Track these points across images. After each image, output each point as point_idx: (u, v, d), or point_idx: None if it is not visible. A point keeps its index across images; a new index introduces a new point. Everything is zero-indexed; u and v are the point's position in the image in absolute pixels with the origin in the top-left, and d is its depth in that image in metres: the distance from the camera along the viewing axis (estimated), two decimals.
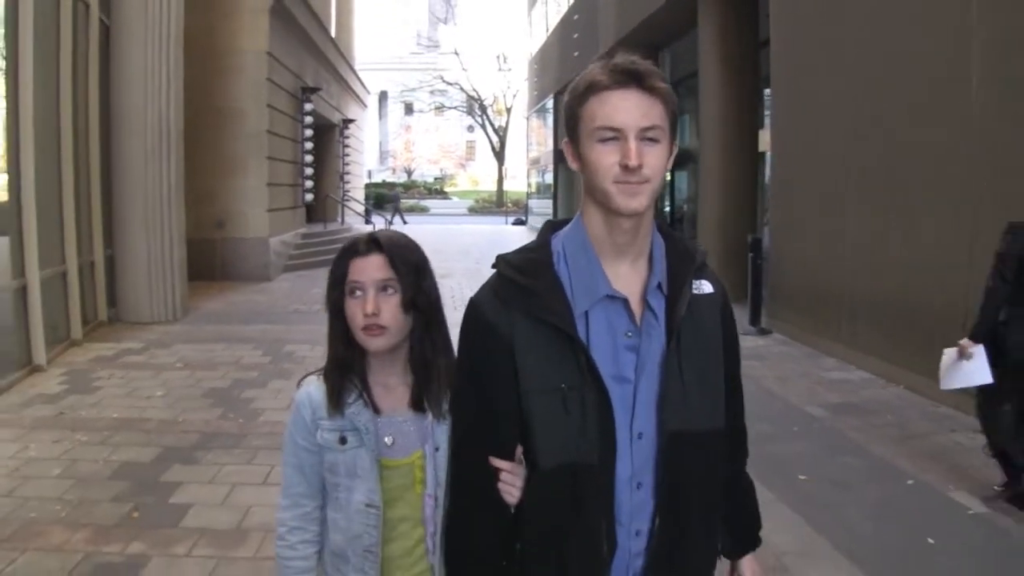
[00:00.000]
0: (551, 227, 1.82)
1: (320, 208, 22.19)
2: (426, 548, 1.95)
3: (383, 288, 1.89)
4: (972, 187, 6.92)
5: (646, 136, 1.59)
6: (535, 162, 38.13)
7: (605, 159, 1.60)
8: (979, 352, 4.76)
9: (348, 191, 26.85)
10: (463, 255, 20.12)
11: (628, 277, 1.71)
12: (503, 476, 1.75)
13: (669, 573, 1.76)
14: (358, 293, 1.89)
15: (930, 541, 4.52)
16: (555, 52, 29.59)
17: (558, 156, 29.87)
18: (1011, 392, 4.81)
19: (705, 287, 1.79)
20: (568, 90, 1.68)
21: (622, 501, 1.71)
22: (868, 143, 8.53)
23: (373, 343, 1.89)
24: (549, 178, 32.92)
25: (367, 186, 40.89)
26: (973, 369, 4.79)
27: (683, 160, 15.44)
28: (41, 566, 4.09)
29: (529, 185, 41.34)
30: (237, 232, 15.55)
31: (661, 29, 16.62)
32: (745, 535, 2.05)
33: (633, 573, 1.76)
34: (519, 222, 40.06)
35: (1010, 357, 4.71)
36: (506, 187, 55.25)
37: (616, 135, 1.58)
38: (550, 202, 32.15)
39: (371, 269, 1.88)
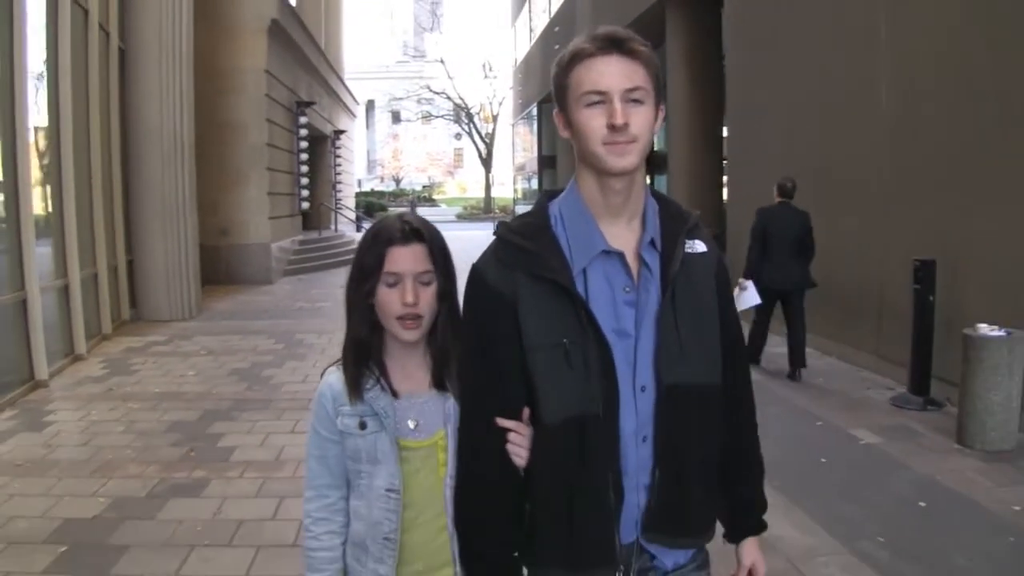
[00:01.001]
0: (548, 195, 1.89)
1: (315, 216, 23.36)
2: (449, 533, 1.95)
3: (421, 279, 1.89)
4: (881, 187, 8.14)
5: (631, 98, 1.66)
6: (521, 168, 39.29)
7: (593, 121, 1.66)
8: (750, 285, 7.90)
9: (340, 199, 28.04)
10: (454, 258, 21.20)
11: (623, 236, 1.78)
12: (511, 437, 1.78)
13: (669, 526, 1.82)
14: (395, 283, 1.88)
15: (823, 460, 5.74)
16: (538, 62, 30.84)
17: (543, 162, 31.09)
18: (766, 307, 8.09)
19: (699, 247, 1.85)
20: (554, 63, 1.75)
21: (628, 454, 1.76)
22: (802, 148, 9.77)
23: (408, 335, 1.90)
24: (535, 184, 34.02)
25: (357, 195, 42.02)
26: (748, 296, 7.85)
27: (660, 164, 16.59)
28: (128, 486, 5.27)
29: (516, 191, 42.43)
30: (240, 239, 16.63)
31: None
32: (745, 516, 2.04)
33: (639, 527, 1.81)
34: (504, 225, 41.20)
35: (764, 287, 7.90)
36: (494, 193, 56.33)
37: (602, 98, 1.65)
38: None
39: (412, 259, 1.88)
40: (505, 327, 1.73)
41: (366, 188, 61.70)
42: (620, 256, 1.75)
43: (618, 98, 1.64)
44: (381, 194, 59.79)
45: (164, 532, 4.60)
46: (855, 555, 4.27)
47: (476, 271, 1.79)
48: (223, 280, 15.96)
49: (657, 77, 1.71)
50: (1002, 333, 5.84)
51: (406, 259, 1.86)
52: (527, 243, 1.75)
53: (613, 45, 1.66)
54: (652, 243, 1.78)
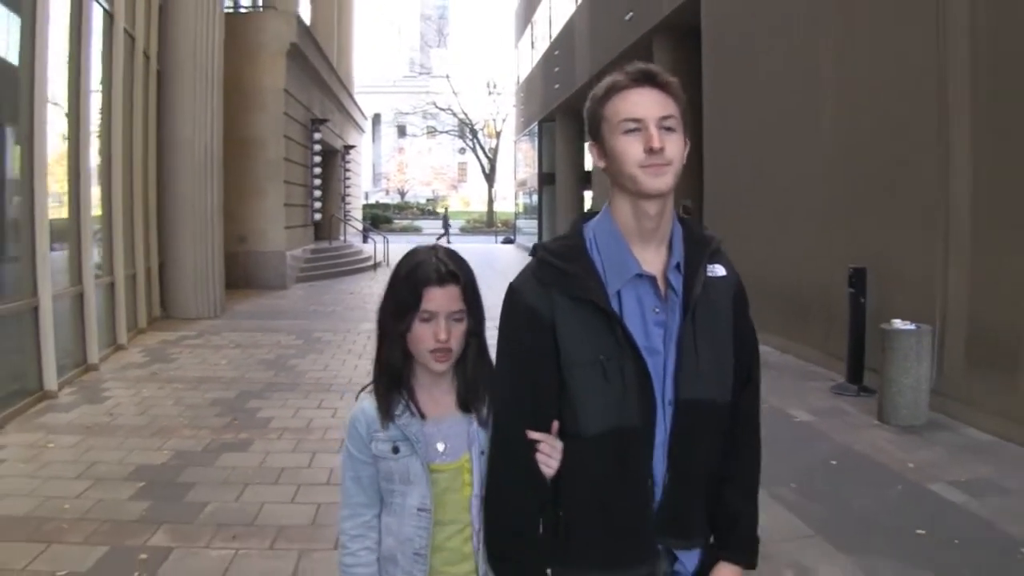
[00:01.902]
0: (583, 218, 2.00)
1: (326, 226, 24.56)
2: (473, 547, 2.05)
3: (454, 317, 1.99)
4: (824, 204, 9.31)
5: (664, 125, 1.80)
6: (522, 184, 40.39)
7: (631, 147, 1.79)
8: None
9: (349, 211, 29.28)
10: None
11: (653, 259, 1.89)
12: (541, 447, 1.89)
13: (675, 529, 1.94)
14: (429, 319, 1.98)
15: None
16: (539, 82, 32.08)
17: (543, 179, 32.23)
18: None
19: (719, 271, 1.96)
20: (588, 98, 1.90)
21: (657, 464, 1.88)
22: (766, 169, 10.95)
23: (439, 367, 2.01)
24: (536, 199, 35.09)
25: (363, 207, 43.23)
26: None
27: None
28: (185, 444, 6.43)
29: (517, 206, 43.53)
30: (258, 246, 17.81)
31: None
32: (726, 535, 2.05)
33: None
34: (508, 241, 42.31)
35: None
36: (496, 208, 57.49)
37: (638, 126, 1.79)
38: (536, 222, 34.35)
39: (447, 300, 1.98)
40: (542, 344, 1.85)
41: (371, 200, 62.85)
42: (651, 279, 1.87)
43: (654, 125, 1.79)
44: (386, 206, 61.00)
45: (222, 475, 5.75)
46: (770, 496, 5.38)
47: (514, 291, 1.92)
48: (241, 284, 17.02)
49: (685, 110, 1.87)
50: (912, 327, 6.99)
51: (442, 300, 1.97)
52: (566, 265, 1.86)
53: (647, 78, 1.83)
54: (678, 267, 1.90)
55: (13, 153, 7.88)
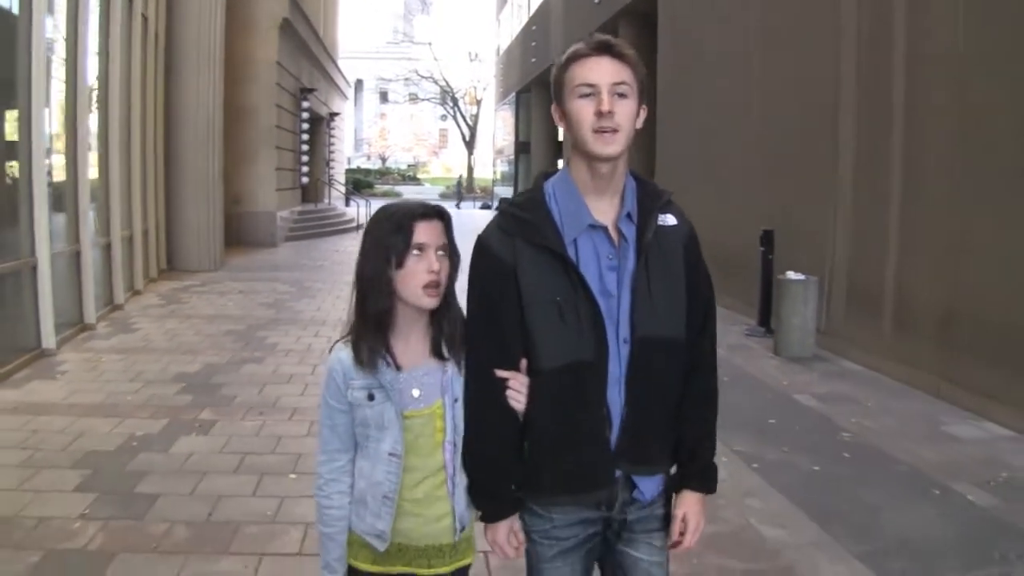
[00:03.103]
0: (544, 176, 2.18)
1: (312, 190, 25.98)
2: (447, 490, 2.16)
3: (441, 251, 2.10)
4: (747, 176, 10.92)
5: (616, 91, 1.95)
6: (500, 152, 41.80)
7: (584, 111, 1.96)
8: None
9: (333, 175, 30.70)
10: None
11: (606, 210, 2.07)
12: (511, 383, 2.06)
13: (633, 455, 2.09)
14: (419, 254, 2.06)
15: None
16: (517, 55, 33.49)
17: (519, 147, 33.69)
18: None
19: (670, 220, 2.13)
20: (553, 65, 2.09)
21: (613, 397, 2.05)
22: (707, 145, 12.56)
23: (431, 301, 2.09)
24: (512, 167, 36.52)
25: (346, 172, 44.52)
26: None
27: None
28: (213, 359, 8.03)
29: (495, 173, 44.91)
30: (250, 207, 19.21)
31: None
32: (686, 466, 2.23)
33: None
34: (485, 206, 43.69)
35: None
36: (476, 175, 58.71)
37: (592, 91, 1.95)
38: (511, 189, 35.80)
39: (435, 233, 2.09)
40: (506, 288, 2.01)
41: (353, 166, 63.76)
42: (604, 229, 2.03)
43: (606, 90, 1.92)
44: (368, 171, 61.97)
45: (245, 378, 7.33)
46: None
47: (481, 240, 2.08)
48: (234, 242, 18.27)
49: (642, 80, 2.00)
50: (801, 277, 8.63)
51: (430, 232, 2.07)
52: (525, 215, 2.03)
53: (604, 48, 1.96)
54: (629, 216, 2.06)
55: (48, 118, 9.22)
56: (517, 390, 2.05)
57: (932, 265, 7.45)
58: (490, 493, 2.14)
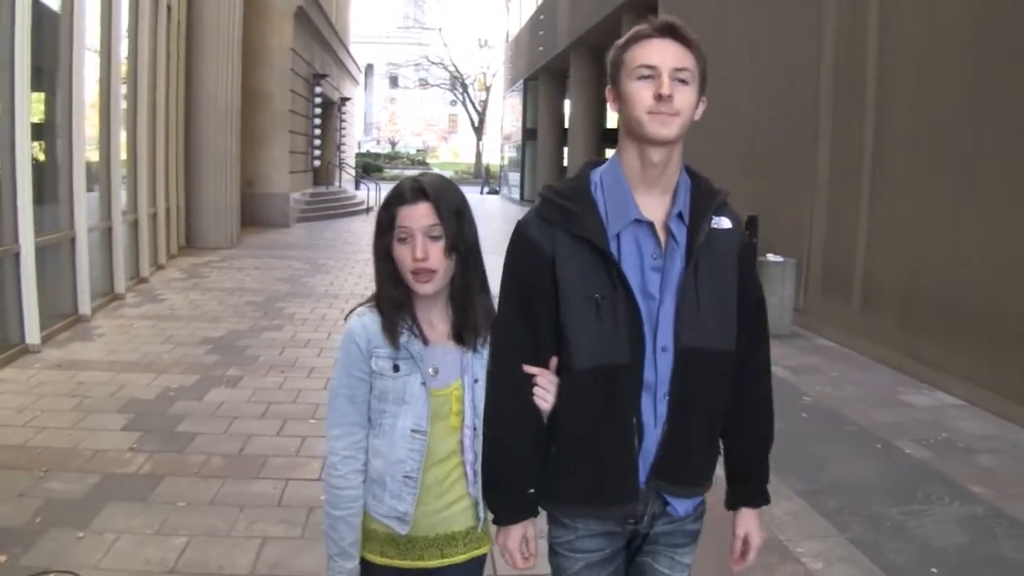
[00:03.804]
0: (591, 163, 2.04)
1: (323, 172, 26.67)
2: (466, 477, 2.09)
3: (429, 234, 1.98)
4: (734, 167, 11.57)
5: (678, 77, 1.84)
6: (508, 138, 42.33)
7: (642, 92, 1.84)
8: None
9: (343, 159, 31.39)
10: None
11: (656, 207, 1.93)
12: (538, 381, 1.95)
13: (671, 474, 1.97)
14: (406, 239, 1.99)
15: None
16: (526, 43, 34.03)
17: (526, 134, 34.25)
18: None
19: (724, 223, 1.98)
20: (613, 46, 1.96)
21: (646, 407, 1.92)
22: (704, 130, 13.18)
23: (423, 288, 2.00)
24: (519, 153, 37.03)
25: (356, 156, 45.18)
26: None
27: None
28: (237, 326, 8.75)
29: (502, 158, 45.44)
30: (264, 188, 19.87)
31: (600, 35, 21.13)
32: (741, 484, 2.15)
33: (645, 473, 1.96)
34: (493, 192, 44.37)
35: None
36: (484, 160, 59.27)
37: (652, 72, 1.83)
38: (519, 175, 36.40)
39: (418, 216, 1.98)
40: (542, 279, 1.90)
41: (363, 150, 64.25)
42: (650, 225, 1.90)
43: (667, 74, 1.83)
44: (377, 156, 62.54)
45: (266, 341, 8.03)
46: None
47: (520, 226, 1.98)
48: (248, 222, 18.87)
49: (704, 69, 1.90)
50: (780, 259, 9.29)
51: (413, 216, 1.98)
52: (568, 204, 1.92)
53: (668, 30, 1.87)
54: (680, 216, 1.93)
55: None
56: (545, 388, 1.96)
57: (895, 249, 8.11)
58: (506, 493, 2.04)
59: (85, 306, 8.77)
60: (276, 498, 4.50)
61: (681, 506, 2.03)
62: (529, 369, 1.97)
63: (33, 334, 7.35)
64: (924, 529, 4.46)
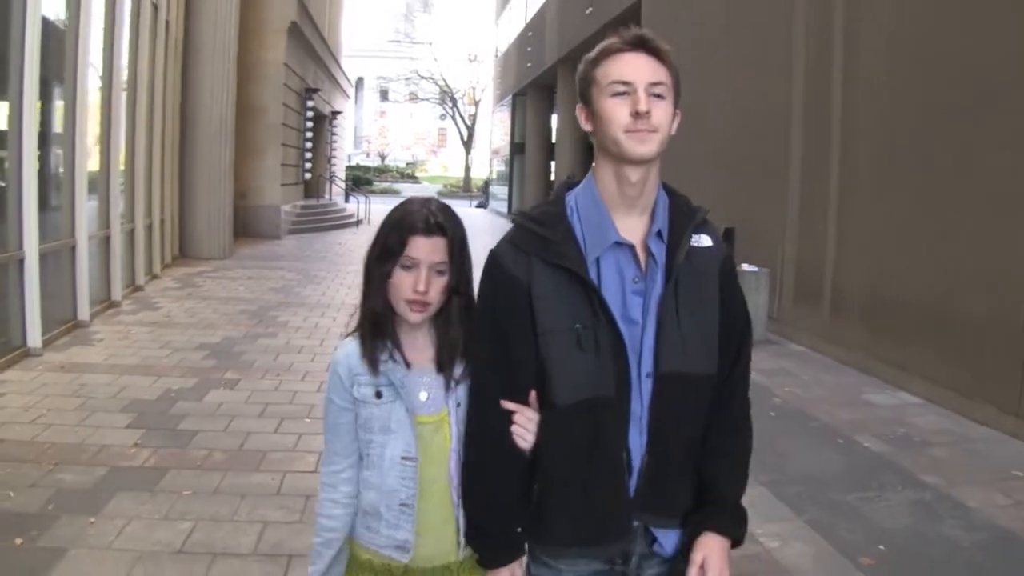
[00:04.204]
0: (566, 185, 1.95)
1: (313, 185, 27.02)
2: (452, 502, 2.01)
3: (436, 269, 1.94)
4: (710, 178, 11.96)
5: (653, 92, 1.77)
6: (496, 152, 42.77)
7: (617, 110, 1.76)
8: None
9: (334, 172, 31.75)
10: None
11: (635, 228, 1.85)
12: (516, 419, 1.87)
13: (656, 505, 1.89)
14: (411, 268, 1.93)
15: None
16: (514, 59, 34.51)
17: (514, 148, 34.68)
18: None
19: (704, 241, 1.90)
20: (581, 61, 1.88)
21: (633, 437, 1.84)
22: (679, 147, 13.59)
23: (414, 317, 1.96)
24: (507, 168, 37.45)
25: (346, 168, 45.53)
26: None
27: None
28: (232, 332, 9.06)
29: (491, 172, 45.87)
30: (257, 201, 20.14)
31: (588, 52, 21.52)
32: (710, 505, 1.94)
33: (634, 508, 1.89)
34: (481, 205, 44.70)
35: None
36: (473, 174, 59.71)
37: (627, 89, 1.75)
38: (507, 188, 36.79)
39: (430, 250, 1.93)
40: (519, 311, 1.81)
41: (352, 163, 64.48)
42: (631, 248, 1.83)
43: (643, 89, 1.75)
44: (367, 169, 62.86)
45: (261, 348, 8.36)
46: None
47: (493, 255, 1.89)
48: (241, 234, 19.17)
49: (678, 80, 1.83)
50: (754, 269, 9.67)
51: (425, 250, 1.92)
52: (544, 231, 1.83)
53: (640, 43, 1.79)
54: (659, 235, 1.86)
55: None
56: (524, 427, 1.88)
57: (860, 260, 8.53)
58: (490, 536, 1.95)
59: (84, 312, 9.08)
60: (275, 488, 4.83)
61: (669, 541, 1.93)
62: (507, 405, 1.88)
63: (35, 338, 7.66)
64: (876, 512, 4.84)
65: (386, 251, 1.96)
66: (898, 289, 7.88)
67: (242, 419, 6.07)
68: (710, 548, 1.89)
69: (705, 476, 1.97)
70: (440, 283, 1.95)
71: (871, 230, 8.30)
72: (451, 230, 1.96)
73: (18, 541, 4.00)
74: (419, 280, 1.92)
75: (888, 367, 7.88)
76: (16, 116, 7.44)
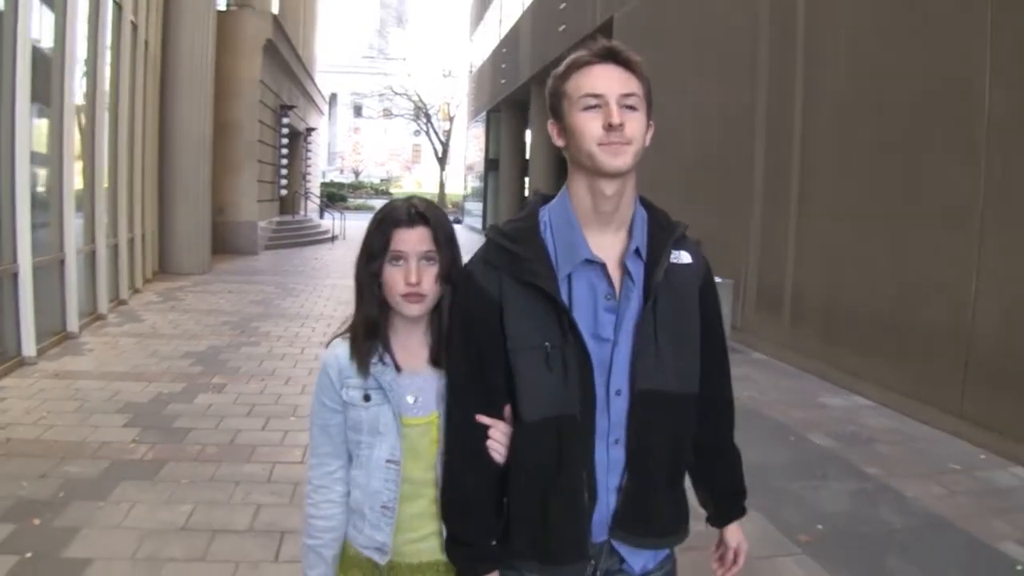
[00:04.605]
0: (540, 200, 1.94)
1: (289, 201, 27.38)
2: (439, 505, 2.02)
3: (424, 258, 1.95)
4: (683, 189, 12.46)
5: (626, 103, 1.75)
6: (470, 168, 43.22)
7: (589, 123, 1.75)
8: None
9: (308, 188, 32.13)
10: None
11: (609, 244, 1.84)
12: (491, 433, 1.89)
13: (636, 526, 1.90)
14: (400, 262, 1.95)
15: None
16: (488, 75, 35.01)
17: (488, 164, 35.15)
18: None
19: (684, 257, 1.91)
20: (550, 76, 1.86)
21: (599, 455, 1.83)
22: (648, 162, 14.10)
23: (411, 309, 1.96)
24: (482, 183, 37.90)
25: (321, 185, 45.88)
26: None
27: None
28: (216, 342, 9.41)
29: (466, 188, 46.28)
30: (234, 216, 20.45)
31: None
32: (729, 503, 2.15)
33: (608, 527, 1.89)
34: (456, 221, 45.10)
35: None
36: (448, 190, 59.99)
37: (598, 102, 1.74)
38: (481, 205, 37.25)
39: (415, 241, 1.94)
40: (491, 327, 1.82)
41: (327, 179, 64.56)
42: (603, 266, 1.81)
43: (614, 101, 1.74)
44: (341, 185, 63.05)
45: (244, 356, 8.73)
46: None
47: (466, 273, 1.90)
48: (219, 250, 19.40)
49: (650, 91, 1.81)
50: (719, 280, 10.06)
51: (410, 240, 1.94)
52: (515, 247, 1.82)
53: (610, 55, 1.78)
54: (637, 252, 1.84)
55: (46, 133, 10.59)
56: (498, 440, 1.90)
57: (818, 270, 9.03)
58: (466, 547, 1.96)
59: (73, 324, 9.41)
60: (266, 476, 5.23)
61: (638, 562, 1.95)
62: (482, 420, 1.90)
63: (30, 347, 8.00)
64: (818, 499, 5.29)
65: (372, 250, 1.98)
66: (853, 299, 8.38)
67: (231, 418, 6.45)
68: (738, 535, 2.16)
69: (716, 482, 2.17)
70: (431, 272, 1.96)
71: (828, 243, 8.81)
72: (433, 219, 1.99)
73: (36, 521, 4.38)
74: (410, 272, 1.94)
75: (844, 373, 8.35)
76: (8, 133, 7.78)
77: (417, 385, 2.03)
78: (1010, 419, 6.28)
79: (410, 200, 2.01)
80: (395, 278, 1.96)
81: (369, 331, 2.01)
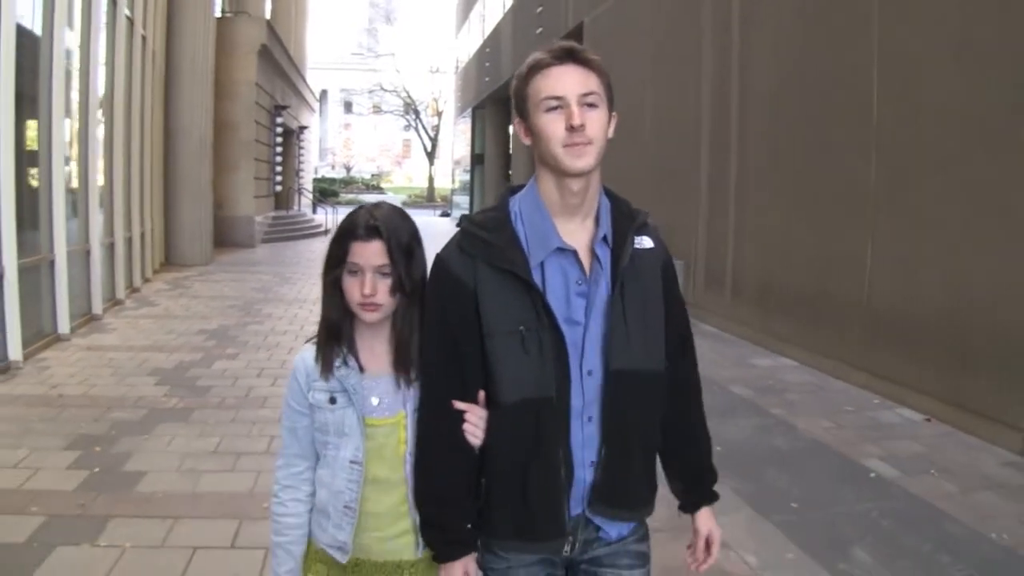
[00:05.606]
0: (510, 191, 2.02)
1: (284, 197, 28.55)
2: (408, 502, 2.07)
3: (379, 271, 2.00)
4: (645, 179, 13.67)
5: (586, 102, 1.82)
6: (458, 163, 44.20)
7: (552, 126, 1.82)
8: None
9: (302, 184, 33.29)
10: None
11: (577, 233, 1.93)
12: (467, 417, 1.94)
13: (612, 501, 1.98)
14: (356, 272, 2.00)
15: None
16: (474, 73, 36.07)
17: (475, 159, 36.21)
18: None
19: (646, 243, 2.00)
20: (514, 76, 1.93)
21: (575, 433, 1.91)
22: (613, 156, 15.31)
23: (368, 317, 2.03)
24: (469, 177, 38.91)
25: (313, 180, 46.85)
26: None
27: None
28: (225, 322, 10.62)
29: (453, 182, 47.25)
30: (232, 212, 21.60)
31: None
32: (698, 486, 2.20)
33: (585, 500, 1.97)
34: (445, 214, 45.99)
35: None
36: (437, 184, 60.78)
37: (559, 103, 1.81)
38: (468, 198, 38.28)
39: (370, 254, 1.99)
40: (465, 313, 1.88)
41: (319, 175, 64.90)
42: (573, 252, 1.90)
43: (575, 102, 1.80)
44: (333, 180, 63.54)
45: (251, 332, 9.93)
46: None
47: (439, 259, 1.95)
48: (218, 243, 20.31)
49: (609, 86, 1.88)
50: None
51: (365, 254, 1.99)
52: (489, 236, 1.89)
53: (568, 55, 1.83)
54: (605, 239, 1.93)
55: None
56: (474, 424, 1.95)
57: (753, 251, 10.30)
58: (442, 531, 2.00)
59: (98, 307, 10.63)
60: (276, 418, 6.23)
61: (614, 529, 2.04)
62: (459, 405, 1.94)
63: (64, 325, 9.20)
64: (725, 432, 6.47)
65: (333, 259, 2.05)
66: (782, 276, 9.62)
67: (245, 379, 7.69)
68: (709, 521, 2.20)
69: (685, 462, 2.22)
70: (385, 284, 2.01)
71: (761, 225, 10.06)
72: (387, 232, 2.00)
73: (96, 449, 5.63)
74: (364, 284, 2.00)
75: (775, 339, 9.59)
76: (46, 137, 8.92)
77: (382, 387, 2.09)
78: (900, 368, 7.48)
79: (371, 211, 2.06)
80: (352, 288, 2.02)
81: (331, 334, 2.09)
